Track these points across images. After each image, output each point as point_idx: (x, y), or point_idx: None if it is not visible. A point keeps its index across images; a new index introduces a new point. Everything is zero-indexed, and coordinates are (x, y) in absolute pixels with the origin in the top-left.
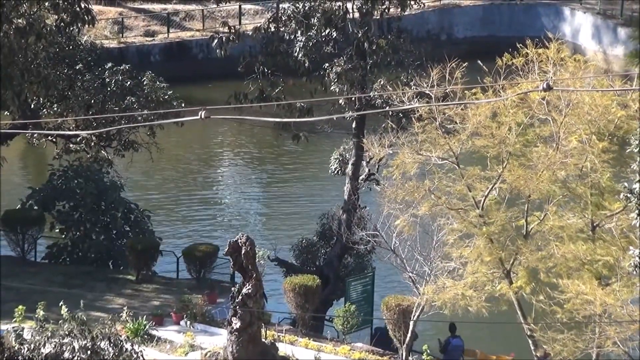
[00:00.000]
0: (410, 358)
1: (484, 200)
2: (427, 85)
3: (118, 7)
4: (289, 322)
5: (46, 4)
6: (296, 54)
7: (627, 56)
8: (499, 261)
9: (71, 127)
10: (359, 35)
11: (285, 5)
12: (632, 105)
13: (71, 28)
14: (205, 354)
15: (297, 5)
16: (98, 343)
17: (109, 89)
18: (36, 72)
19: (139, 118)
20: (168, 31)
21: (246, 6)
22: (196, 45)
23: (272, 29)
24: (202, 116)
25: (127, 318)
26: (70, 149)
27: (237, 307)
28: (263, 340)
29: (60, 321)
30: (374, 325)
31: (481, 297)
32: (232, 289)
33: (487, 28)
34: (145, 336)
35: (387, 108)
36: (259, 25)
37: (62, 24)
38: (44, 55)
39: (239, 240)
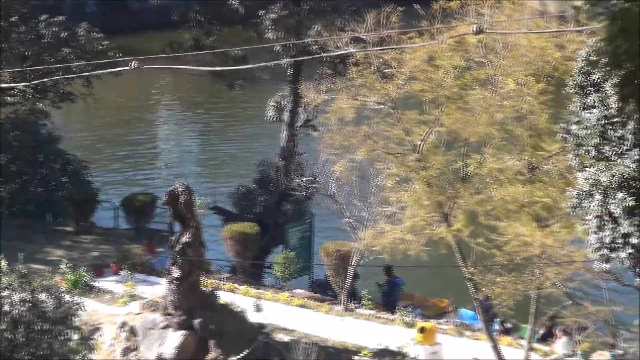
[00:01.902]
0: (350, 302)
1: (422, 144)
2: (363, 31)
3: None
4: (228, 270)
5: None
6: (231, 2)
7: None
8: (438, 205)
9: (7, 80)
10: None
11: None
12: (568, 46)
13: None
14: (146, 303)
15: None
16: (37, 295)
17: (44, 40)
18: None
19: (75, 69)
20: None
21: None
22: None
23: None
24: (134, 66)
25: (67, 270)
26: (6, 102)
27: (176, 256)
28: (203, 288)
29: None
30: (314, 277)
31: (420, 241)
32: (171, 238)
33: None
34: (85, 287)
35: (323, 54)
36: None
37: None
38: None
39: (177, 189)
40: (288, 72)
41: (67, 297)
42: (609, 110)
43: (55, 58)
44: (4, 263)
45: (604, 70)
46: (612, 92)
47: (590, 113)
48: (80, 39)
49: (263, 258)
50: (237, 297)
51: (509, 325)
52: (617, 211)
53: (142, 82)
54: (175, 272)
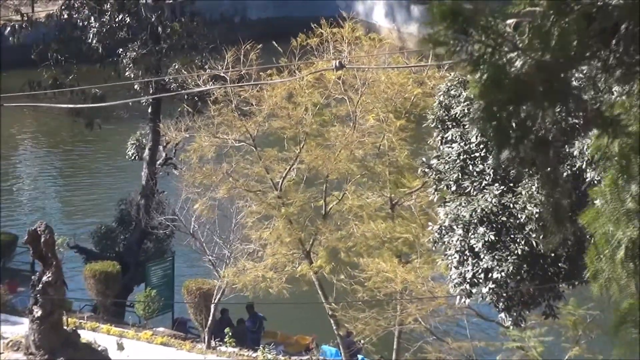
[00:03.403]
0: (212, 341)
1: (282, 181)
2: (222, 68)
3: None
4: (90, 309)
5: None
6: (90, 41)
7: (421, 40)
8: (299, 242)
9: None
10: (153, 19)
11: None
12: (428, 82)
13: None
14: (7, 343)
15: None
16: None
17: None
18: None
19: None
20: None
21: None
22: None
23: (65, 16)
24: None
25: None
26: None
27: (38, 295)
28: (65, 327)
29: None
30: (175, 315)
31: (282, 278)
32: (33, 277)
33: (281, 9)
34: None
35: (182, 91)
36: (52, 12)
37: None
38: None
39: (38, 229)
40: (148, 111)
41: None
42: (469, 145)
43: None
44: None
45: (477, 120)
46: (471, 127)
47: (451, 147)
48: None
49: (125, 296)
50: (99, 336)
51: None
52: (478, 246)
53: (1, 121)
54: (37, 312)
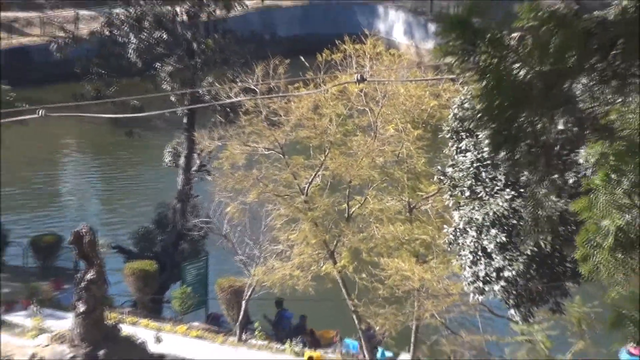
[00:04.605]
0: (243, 335)
1: (308, 187)
2: (252, 81)
3: None
4: (130, 305)
5: None
6: (129, 56)
7: (433, 50)
8: (324, 243)
9: None
10: (188, 36)
11: (119, 10)
12: (444, 94)
13: None
14: (53, 336)
15: (130, 10)
16: None
17: None
18: None
19: None
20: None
21: (82, 12)
22: (37, 50)
23: (107, 33)
24: (42, 114)
25: None
26: None
27: (81, 292)
28: (106, 322)
29: None
30: (209, 311)
31: (307, 277)
32: (76, 275)
33: (307, 27)
34: None
35: (215, 103)
36: (94, 29)
37: None
38: None
39: (81, 230)
40: (183, 121)
41: None
42: (482, 154)
43: None
44: None
45: (477, 121)
46: (484, 138)
47: (464, 157)
48: None
49: (162, 293)
50: (139, 330)
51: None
52: (490, 247)
53: (48, 130)
54: (81, 307)
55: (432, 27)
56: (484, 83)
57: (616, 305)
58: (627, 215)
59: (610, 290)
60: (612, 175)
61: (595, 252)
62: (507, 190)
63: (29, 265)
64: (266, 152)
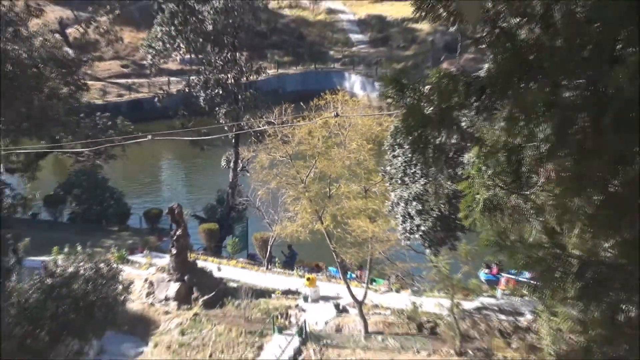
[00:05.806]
0: (269, 266)
1: (306, 178)
2: (272, 117)
3: (100, 82)
4: (202, 249)
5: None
6: (201, 103)
7: (378, 97)
8: (316, 212)
9: (80, 148)
10: (235, 91)
11: (193, 77)
12: (384, 123)
13: (75, 93)
14: (158, 268)
15: (200, 77)
16: (98, 265)
17: (99, 126)
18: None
19: (116, 142)
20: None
21: (173, 78)
22: (146, 101)
23: (187, 90)
24: (150, 138)
25: (114, 250)
26: (79, 160)
27: (174, 242)
28: (189, 259)
29: (76, 254)
30: (249, 251)
31: (306, 231)
32: (171, 232)
33: (305, 85)
34: (125, 260)
35: (251, 129)
36: (179, 88)
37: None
38: (62, 111)
39: (173, 206)
40: (232, 141)
41: (114, 265)
42: (407, 157)
43: (105, 136)
44: (79, 248)
45: (403, 135)
46: (408, 147)
47: (397, 159)
48: (118, 125)
49: (221, 242)
50: (208, 264)
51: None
52: (412, 212)
53: (154, 148)
54: (174, 251)
55: (377, 84)
56: (407, 113)
57: (483, 241)
58: (490, 191)
59: (481, 235)
60: (482, 167)
61: (472, 213)
62: (422, 179)
63: (143, 227)
64: (281, 159)
